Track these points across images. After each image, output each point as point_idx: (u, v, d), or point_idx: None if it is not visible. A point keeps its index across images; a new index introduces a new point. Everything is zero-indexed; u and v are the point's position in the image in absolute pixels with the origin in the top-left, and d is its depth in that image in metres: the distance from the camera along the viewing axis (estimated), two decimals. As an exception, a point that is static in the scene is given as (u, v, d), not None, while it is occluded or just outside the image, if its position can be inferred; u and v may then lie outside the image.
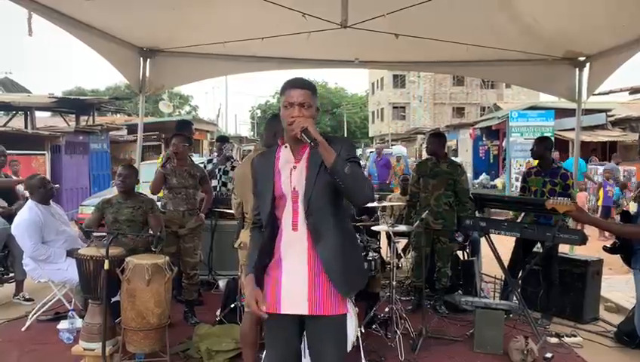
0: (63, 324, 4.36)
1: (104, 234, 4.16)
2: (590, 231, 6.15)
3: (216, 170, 6.46)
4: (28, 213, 4.62)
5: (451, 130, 25.81)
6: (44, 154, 12.27)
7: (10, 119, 17.37)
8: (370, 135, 52.15)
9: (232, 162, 6.57)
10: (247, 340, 3.44)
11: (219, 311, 4.67)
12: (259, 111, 60.81)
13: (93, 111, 16.78)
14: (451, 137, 24.34)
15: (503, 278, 5.32)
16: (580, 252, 5.73)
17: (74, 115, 17.42)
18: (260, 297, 2.24)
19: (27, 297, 5.55)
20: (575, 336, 4.57)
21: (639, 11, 4.03)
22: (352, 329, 3.69)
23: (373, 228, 4.95)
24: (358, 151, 30.05)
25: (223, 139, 7.01)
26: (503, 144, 18.49)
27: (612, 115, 18.44)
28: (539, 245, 5.05)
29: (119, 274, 3.59)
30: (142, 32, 5.43)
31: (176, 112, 31.62)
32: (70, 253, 4.53)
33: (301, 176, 2.21)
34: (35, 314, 4.78)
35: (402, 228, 4.80)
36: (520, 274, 5.13)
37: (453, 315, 5.17)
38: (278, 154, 2.30)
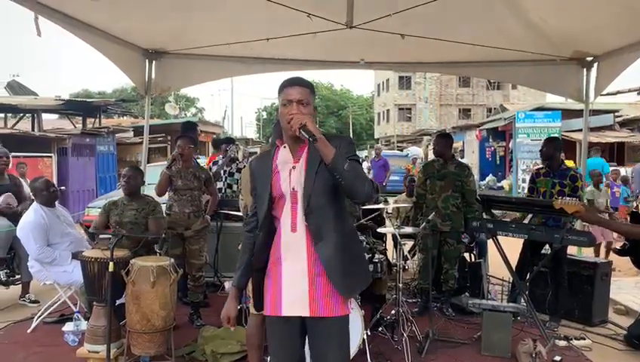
0: (68, 326, 4.34)
1: (110, 236, 4.15)
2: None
3: (221, 172, 6.45)
4: (33, 215, 4.62)
5: (458, 132, 25.74)
6: (50, 157, 12.31)
7: (18, 121, 17.47)
8: (375, 136, 52.04)
9: (237, 164, 6.56)
10: (252, 342, 3.42)
11: (224, 313, 4.64)
12: (265, 113, 60.89)
13: (99, 113, 16.84)
14: (458, 138, 24.24)
15: (511, 280, 5.28)
16: (587, 253, 5.67)
17: (81, 118, 17.49)
18: (232, 315, 2.32)
19: (33, 299, 5.56)
20: (584, 339, 4.51)
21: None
22: (359, 332, 3.67)
23: (379, 230, 4.92)
24: (364, 153, 29.95)
25: (228, 141, 7.00)
26: (510, 145, 18.40)
27: (620, 116, 18.32)
28: (547, 247, 5.00)
29: (124, 276, 3.58)
30: (147, 33, 5.44)
31: (182, 114, 31.65)
32: (75, 255, 4.53)
33: (300, 175, 2.19)
34: (40, 316, 4.78)
35: (409, 230, 4.77)
36: (528, 277, 5.08)
37: (460, 317, 5.13)
38: (276, 155, 2.28)
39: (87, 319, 4.04)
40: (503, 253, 4.72)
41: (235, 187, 6.44)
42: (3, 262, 5.58)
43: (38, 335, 4.57)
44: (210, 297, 5.56)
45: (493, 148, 22.45)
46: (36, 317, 4.77)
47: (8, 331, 4.71)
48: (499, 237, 4.77)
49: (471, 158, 22.78)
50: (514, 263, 5.06)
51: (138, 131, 16.56)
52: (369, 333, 3.94)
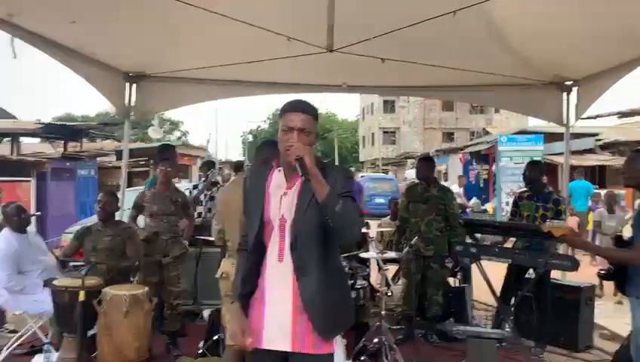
0: (37, 358, 4.15)
1: (82, 263, 4.02)
2: (582, 256, 6.07)
3: (202, 196, 6.35)
4: (3, 242, 4.46)
5: (441, 155, 25.92)
6: (29, 181, 12.08)
7: (-5, 146, 17.23)
8: (361, 160, 52.37)
9: (218, 187, 6.47)
10: (229, 374, 3.29)
11: (202, 342, 4.50)
12: (250, 136, 60.96)
13: (81, 137, 16.67)
14: (441, 162, 24.43)
15: (496, 306, 5.20)
16: (570, 278, 5.63)
17: (63, 142, 17.29)
18: (246, 327, 2.12)
19: (11, 329, 5.34)
20: (570, 366, 4.44)
21: (624, 37, 4.03)
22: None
23: (362, 255, 4.84)
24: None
25: (210, 164, 6.92)
26: (493, 168, 18.54)
27: (600, 139, 18.58)
28: (531, 271, 4.95)
29: (96, 305, 3.45)
30: (127, 56, 5.37)
31: (166, 138, 31.58)
32: (47, 283, 4.37)
33: (291, 203, 2.10)
34: (10, 346, 4.58)
35: (392, 254, 4.70)
36: (512, 302, 5.01)
37: (445, 344, 5.04)
38: (270, 176, 2.19)
39: (58, 350, 3.88)
40: (487, 278, 4.65)
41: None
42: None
43: (7, 367, 4.38)
44: (189, 326, 5.39)
45: (476, 171, 22.59)
46: (5, 348, 4.57)
47: (-24, 363, 4.51)
48: (483, 261, 4.71)
49: (455, 181, 22.90)
50: (498, 288, 4.99)
51: (120, 155, 16.39)
52: (351, 362, 3.83)
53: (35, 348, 4.59)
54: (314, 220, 2.05)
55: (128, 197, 5.77)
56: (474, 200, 19.93)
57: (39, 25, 4.18)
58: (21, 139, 15.03)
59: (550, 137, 15.17)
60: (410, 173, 25.36)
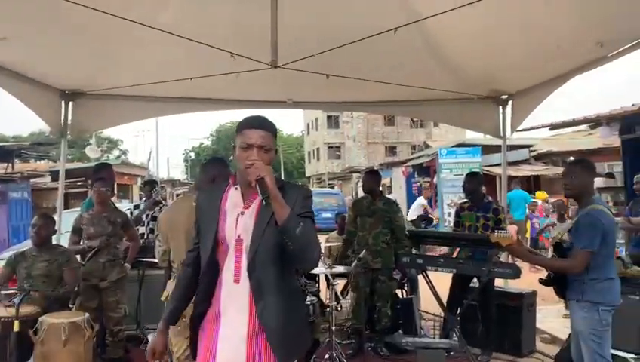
0: (-33, 396, 3.87)
1: (15, 290, 3.78)
2: (522, 263, 6.28)
3: (144, 216, 6.15)
4: None
5: (385, 169, 26.37)
6: (-45, 205, 11.37)
7: None
8: (307, 175, 52.50)
9: (160, 207, 6.27)
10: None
11: (147, 369, 4.32)
12: (192, 154, 59.92)
13: (12, 158, 15.85)
14: (385, 175, 24.83)
15: (443, 315, 5.30)
16: (512, 284, 5.82)
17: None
18: (159, 349, 2.16)
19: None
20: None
21: (553, 52, 4.26)
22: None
23: (311, 271, 4.81)
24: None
25: (152, 183, 6.72)
26: (435, 180, 19.02)
27: (534, 150, 19.45)
28: (475, 280, 5.08)
29: (32, 335, 3.25)
30: (62, 74, 5.16)
31: (104, 157, 30.55)
32: (-24, 314, 4.09)
33: (249, 223, 2.03)
34: None
35: (340, 269, 4.71)
36: (458, 311, 5.12)
37: (394, 356, 5.07)
38: (226, 194, 2.12)
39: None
40: (434, 288, 4.73)
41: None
42: None
43: None
44: (133, 352, 5.17)
45: (419, 183, 23.11)
46: None
47: None
48: (429, 272, 4.79)
49: (398, 194, 23.33)
50: (444, 298, 5.09)
51: (55, 176, 15.71)
52: (303, 380, 3.78)
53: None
54: (272, 241, 1.99)
55: (65, 220, 5.52)
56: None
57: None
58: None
59: (487, 149, 15.77)
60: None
